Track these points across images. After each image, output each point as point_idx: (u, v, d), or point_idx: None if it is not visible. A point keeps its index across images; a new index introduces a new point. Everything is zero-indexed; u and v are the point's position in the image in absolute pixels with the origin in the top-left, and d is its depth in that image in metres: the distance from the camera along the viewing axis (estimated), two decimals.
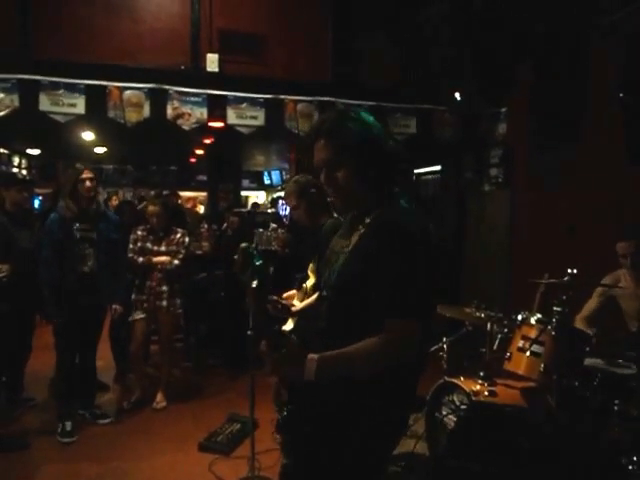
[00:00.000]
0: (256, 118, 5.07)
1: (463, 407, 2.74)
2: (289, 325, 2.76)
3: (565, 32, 4.57)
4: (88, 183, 3.68)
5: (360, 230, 1.57)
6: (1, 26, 4.81)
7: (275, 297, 2.51)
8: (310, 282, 2.77)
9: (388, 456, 1.70)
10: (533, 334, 2.76)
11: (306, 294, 2.75)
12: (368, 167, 1.56)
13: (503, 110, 5.59)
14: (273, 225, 6.53)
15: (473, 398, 2.80)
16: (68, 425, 3.71)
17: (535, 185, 5.11)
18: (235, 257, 2.77)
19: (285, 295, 2.84)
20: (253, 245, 2.70)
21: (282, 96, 5.11)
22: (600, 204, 4.27)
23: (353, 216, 1.67)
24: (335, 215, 2.47)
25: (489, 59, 5.15)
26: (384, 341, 1.42)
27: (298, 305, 2.65)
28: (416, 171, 7.46)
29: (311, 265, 2.77)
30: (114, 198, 8.03)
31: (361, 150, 1.55)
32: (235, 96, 5.00)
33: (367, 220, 1.56)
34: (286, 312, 2.55)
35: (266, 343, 1.58)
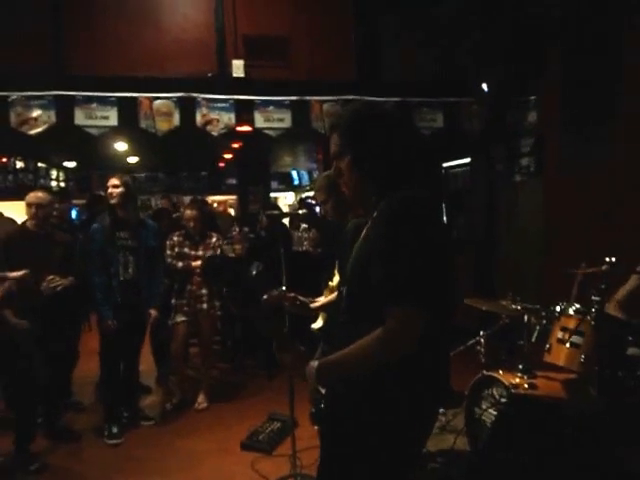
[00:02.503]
0: (283, 120, 5.12)
1: (503, 401, 2.71)
2: (319, 323, 2.79)
3: (595, 15, 4.47)
4: (110, 189, 3.82)
5: (369, 224, 1.59)
6: (36, 44, 4.99)
7: (293, 294, 2.56)
8: (336, 279, 2.80)
9: (419, 447, 1.70)
10: (572, 325, 2.72)
11: (331, 291, 2.78)
12: (367, 156, 1.58)
13: (532, 98, 5.49)
14: (304, 225, 6.61)
15: (513, 391, 2.77)
16: (114, 428, 3.85)
17: (568, 173, 5.00)
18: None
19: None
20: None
21: (307, 97, 5.15)
22: (635, 189, 4.16)
23: (368, 211, 1.69)
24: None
25: (517, 47, 5.07)
26: (380, 334, 1.39)
27: (320, 302, 2.69)
28: (445, 165, 7.40)
29: (337, 262, 2.80)
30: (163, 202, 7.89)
31: (360, 139, 1.58)
32: (262, 100, 5.07)
33: (374, 214, 1.57)
34: (305, 309, 2.58)
35: (276, 346, 1.63)
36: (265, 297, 2.59)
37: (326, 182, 2.85)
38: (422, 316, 1.37)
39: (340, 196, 2.84)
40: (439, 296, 1.47)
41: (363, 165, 1.58)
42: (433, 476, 2.84)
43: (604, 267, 2.64)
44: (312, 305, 2.63)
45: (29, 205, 3.63)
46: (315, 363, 1.48)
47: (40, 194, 3.70)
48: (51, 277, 3.53)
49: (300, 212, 4.95)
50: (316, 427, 2.90)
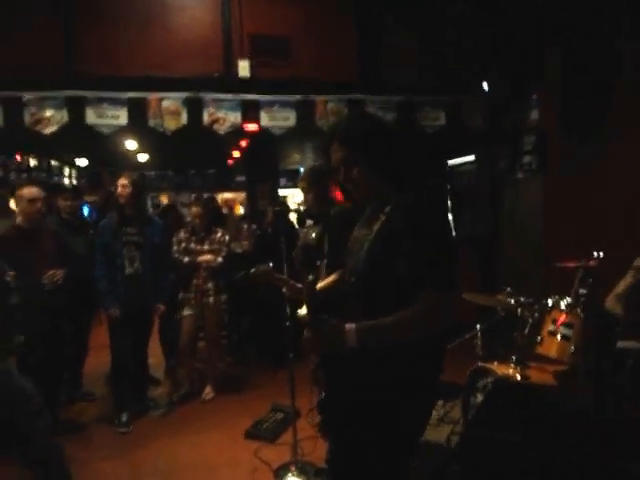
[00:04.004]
0: (288, 119, 5.23)
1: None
2: (304, 309, 2.90)
3: (593, 15, 4.51)
4: (120, 189, 3.97)
5: (381, 219, 1.72)
6: (49, 46, 5.13)
7: (282, 276, 2.67)
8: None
9: (418, 435, 1.80)
10: (562, 318, 2.80)
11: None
12: (380, 162, 1.71)
13: (534, 97, 5.54)
14: (309, 222, 6.70)
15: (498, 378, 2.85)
16: (124, 416, 3.99)
17: (568, 171, 5.06)
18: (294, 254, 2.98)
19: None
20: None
21: (312, 96, 5.26)
22: (633, 186, 4.22)
23: (373, 207, 1.81)
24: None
25: (517, 45, 5.13)
26: (420, 311, 1.56)
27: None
28: (450, 162, 7.46)
29: (327, 250, 2.89)
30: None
31: (372, 148, 1.70)
32: (267, 99, 5.19)
33: (387, 209, 1.71)
34: (300, 293, 2.69)
35: (310, 329, 1.73)
36: (253, 270, 2.70)
37: (310, 173, 2.96)
38: (452, 300, 1.59)
39: (322, 188, 2.95)
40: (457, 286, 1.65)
41: (375, 171, 1.72)
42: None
43: (592, 262, 2.72)
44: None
45: (32, 200, 3.46)
46: (353, 325, 1.59)
47: (35, 188, 3.55)
48: (52, 272, 3.49)
49: (302, 208, 5.05)
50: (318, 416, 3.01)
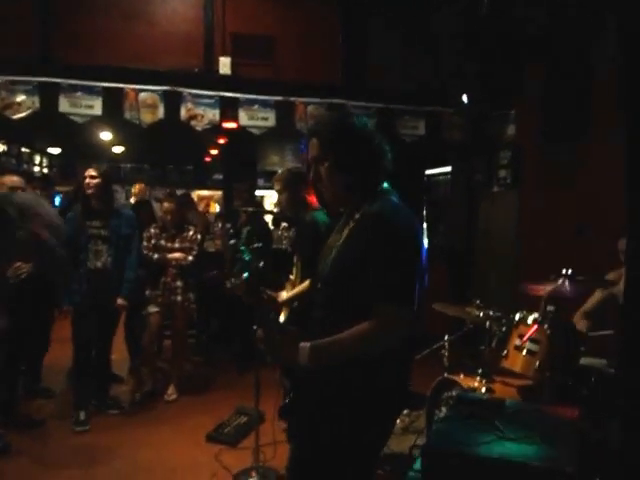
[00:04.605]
0: (267, 119, 5.19)
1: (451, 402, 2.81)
2: (282, 317, 2.88)
3: (572, 34, 4.59)
4: (87, 180, 3.84)
5: (350, 225, 1.69)
6: (23, 31, 4.99)
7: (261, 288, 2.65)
8: (294, 275, 2.89)
9: (384, 438, 1.78)
10: (529, 333, 2.82)
11: (293, 285, 2.86)
12: (349, 163, 1.68)
13: (512, 112, 5.62)
14: (284, 224, 6.65)
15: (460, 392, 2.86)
16: (82, 415, 3.86)
17: (542, 185, 5.14)
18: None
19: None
20: (242, 242, 2.83)
21: (292, 98, 5.22)
22: (607, 203, 4.29)
23: (347, 213, 1.78)
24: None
25: (497, 62, 5.19)
26: (373, 325, 1.53)
27: (284, 295, 2.78)
28: (427, 172, 7.50)
29: (295, 257, 2.88)
30: (137, 187, 7.79)
31: (343, 147, 1.67)
32: (247, 98, 5.13)
33: (357, 215, 1.68)
34: (272, 302, 2.67)
35: (262, 331, 1.71)
36: (229, 286, 2.66)
37: (286, 175, 2.95)
38: (407, 313, 1.54)
39: (296, 191, 2.94)
40: (415, 299, 1.59)
41: (343, 170, 1.68)
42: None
43: (560, 280, 2.75)
44: (279, 299, 2.72)
45: (13, 189, 3.56)
46: (307, 344, 1.55)
47: (17, 177, 3.66)
48: (18, 264, 3.49)
49: (276, 210, 4.99)
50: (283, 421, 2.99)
